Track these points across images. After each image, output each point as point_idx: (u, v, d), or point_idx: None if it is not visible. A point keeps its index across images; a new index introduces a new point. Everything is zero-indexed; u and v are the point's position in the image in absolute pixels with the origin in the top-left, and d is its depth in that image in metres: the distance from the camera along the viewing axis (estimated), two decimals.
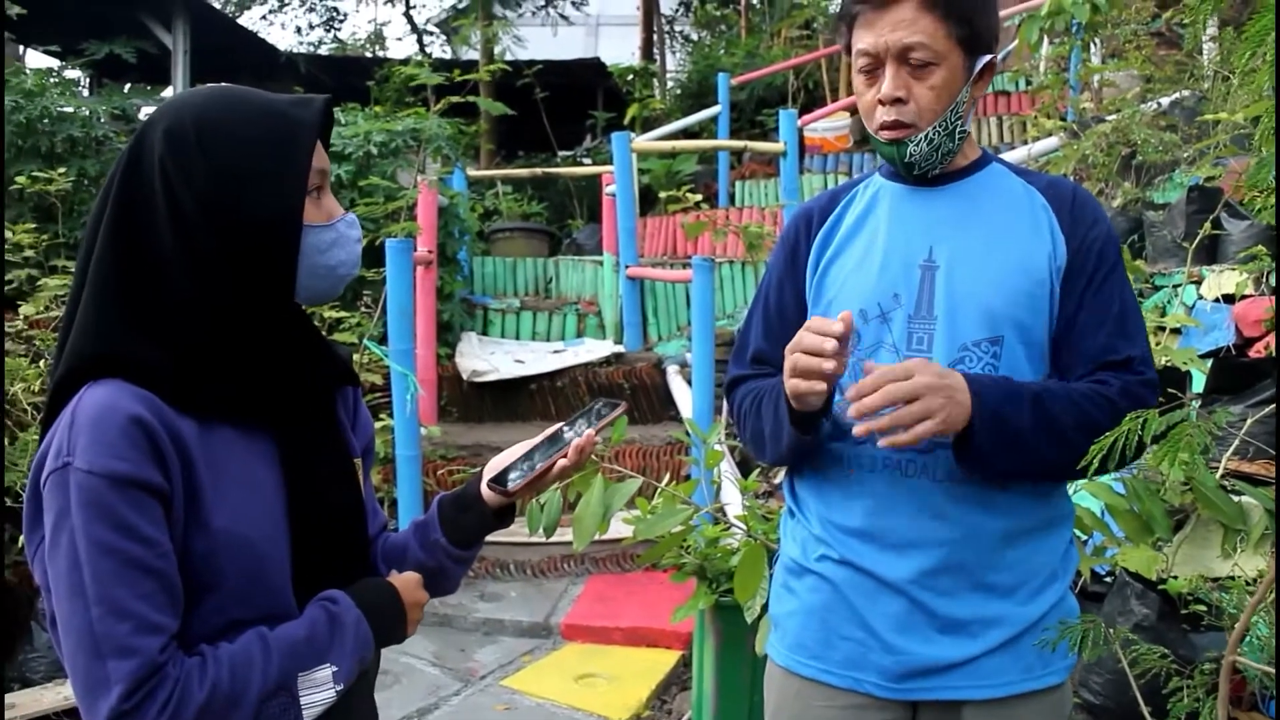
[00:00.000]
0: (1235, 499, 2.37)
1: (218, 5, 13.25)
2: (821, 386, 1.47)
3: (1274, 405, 3.18)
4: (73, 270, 1.27)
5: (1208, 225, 4.33)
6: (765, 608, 2.60)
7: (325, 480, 1.32)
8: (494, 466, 1.46)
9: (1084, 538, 2.40)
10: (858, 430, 1.46)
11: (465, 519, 1.44)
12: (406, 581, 1.37)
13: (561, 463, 1.42)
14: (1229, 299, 4.14)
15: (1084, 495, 2.51)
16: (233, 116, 1.22)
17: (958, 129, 1.61)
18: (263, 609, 1.22)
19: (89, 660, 1.09)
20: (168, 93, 10.03)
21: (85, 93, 9.85)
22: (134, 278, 1.20)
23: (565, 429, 1.48)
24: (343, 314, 5.68)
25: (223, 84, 1.29)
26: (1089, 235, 1.60)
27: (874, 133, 1.64)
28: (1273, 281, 3.97)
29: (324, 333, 5.66)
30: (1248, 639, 2.53)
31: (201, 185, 1.19)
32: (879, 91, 1.58)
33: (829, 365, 1.44)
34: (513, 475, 1.42)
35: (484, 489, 1.44)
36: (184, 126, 1.21)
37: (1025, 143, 7.20)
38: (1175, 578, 2.85)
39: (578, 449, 1.43)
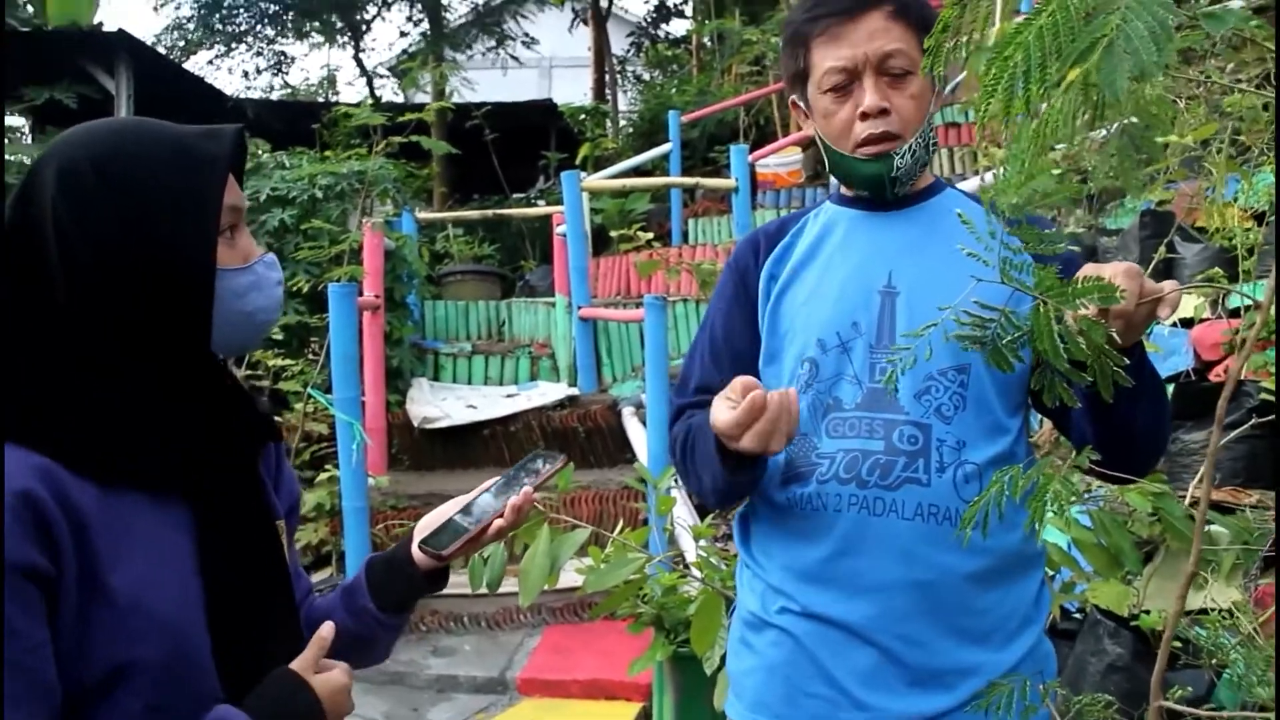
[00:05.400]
0: (1206, 528, 2.29)
1: (163, 50, 13.10)
2: (781, 444, 1.40)
3: (1238, 431, 3.12)
4: None
5: (1162, 250, 4.29)
6: (725, 659, 2.50)
7: (245, 547, 1.19)
8: (425, 526, 1.35)
9: (1051, 574, 2.32)
10: None
11: (395, 583, 1.33)
12: (327, 684, 1.18)
13: (498, 523, 1.32)
14: (1186, 323, 4.10)
15: (1050, 530, 2.42)
16: (133, 152, 1.10)
17: (931, 141, 1.55)
18: (184, 691, 1.08)
19: None
20: None
21: (27, 139, 9.67)
22: (29, 333, 1.08)
23: (502, 484, 1.36)
24: (287, 362, 5.54)
25: (123, 117, 1.17)
26: None
27: (851, 151, 1.55)
28: (1229, 304, 3.94)
29: (269, 381, 5.60)
30: (1226, 675, 2.43)
31: (99, 230, 1.07)
32: (856, 107, 1.51)
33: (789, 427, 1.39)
34: (445, 538, 1.31)
35: (415, 551, 1.32)
36: (78, 165, 1.08)
37: (978, 173, 7.20)
38: (1147, 612, 2.76)
39: (515, 509, 1.32)
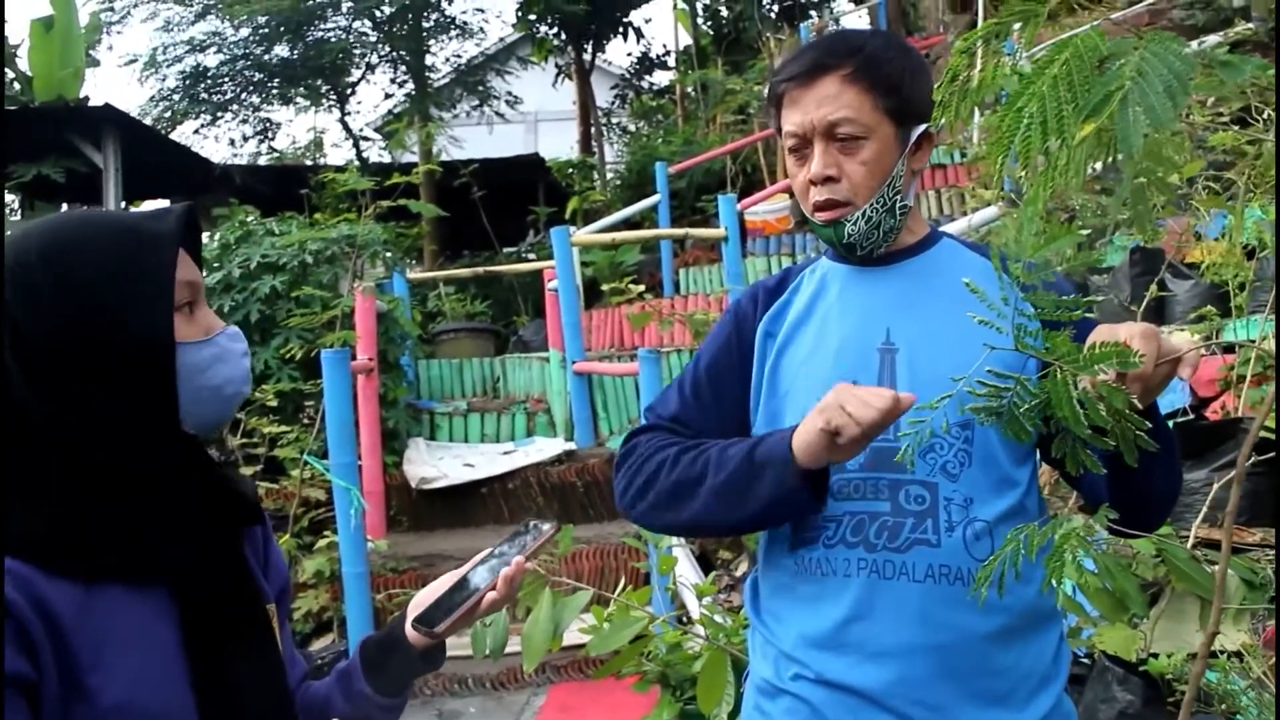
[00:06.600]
0: (1209, 568, 2.27)
1: (149, 121, 13.18)
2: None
3: (1238, 468, 3.10)
4: None
5: (1153, 287, 4.31)
6: (732, 716, 2.46)
7: (234, 634, 1.16)
8: (419, 603, 1.33)
9: None
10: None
11: (391, 664, 1.31)
12: None
13: (491, 596, 1.30)
14: None
15: None
16: (79, 240, 1.10)
17: (897, 204, 1.53)
18: None
19: None
20: None
21: (16, 215, 9.70)
22: None
23: (494, 556, 1.35)
24: (283, 429, 5.52)
25: (71, 209, 1.18)
26: None
27: (810, 215, 1.56)
28: (1223, 340, 3.95)
29: (265, 448, 5.57)
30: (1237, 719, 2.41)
31: (52, 321, 1.07)
32: (810, 172, 1.52)
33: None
34: (438, 614, 1.29)
35: (409, 629, 1.31)
36: (27, 260, 1.08)
37: (965, 214, 7.23)
38: (1155, 656, 2.74)
39: (507, 580, 1.30)
